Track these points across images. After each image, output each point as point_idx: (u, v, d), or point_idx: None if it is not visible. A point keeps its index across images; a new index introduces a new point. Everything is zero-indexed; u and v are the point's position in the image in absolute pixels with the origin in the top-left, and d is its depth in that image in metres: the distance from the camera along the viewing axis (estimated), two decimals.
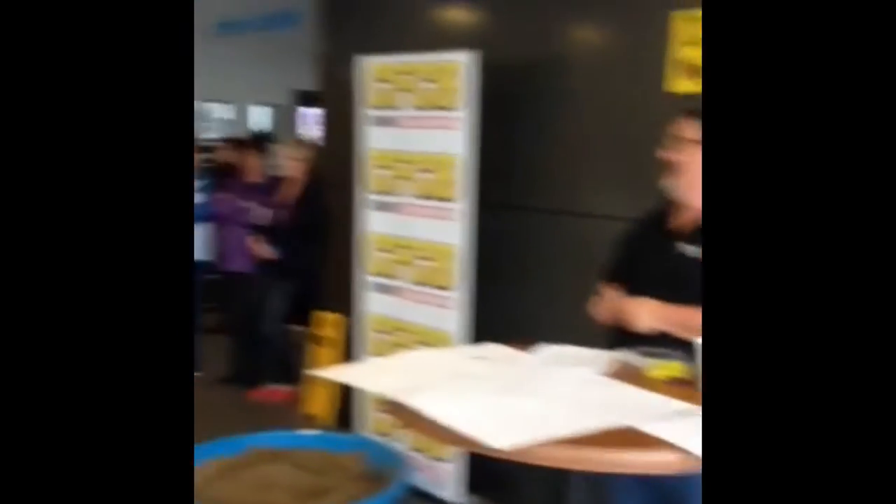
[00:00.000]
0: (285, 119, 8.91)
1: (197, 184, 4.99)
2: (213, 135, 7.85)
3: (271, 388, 4.74)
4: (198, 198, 4.96)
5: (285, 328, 4.72)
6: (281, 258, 4.52)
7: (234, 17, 8.04)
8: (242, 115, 8.65)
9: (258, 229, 4.58)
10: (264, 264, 4.59)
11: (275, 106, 8.90)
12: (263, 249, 4.53)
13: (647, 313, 2.00)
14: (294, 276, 4.55)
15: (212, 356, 5.37)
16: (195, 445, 3.22)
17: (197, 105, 8.39)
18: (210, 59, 8.13)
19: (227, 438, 3.40)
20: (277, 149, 5.53)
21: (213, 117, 8.60)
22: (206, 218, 5.01)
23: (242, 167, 4.99)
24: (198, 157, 5.13)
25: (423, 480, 3.39)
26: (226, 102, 8.59)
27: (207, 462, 3.25)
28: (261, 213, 4.60)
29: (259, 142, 5.25)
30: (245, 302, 4.83)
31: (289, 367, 4.70)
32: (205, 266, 5.16)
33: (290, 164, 4.63)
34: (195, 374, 5.17)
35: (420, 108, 3.34)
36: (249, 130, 8.30)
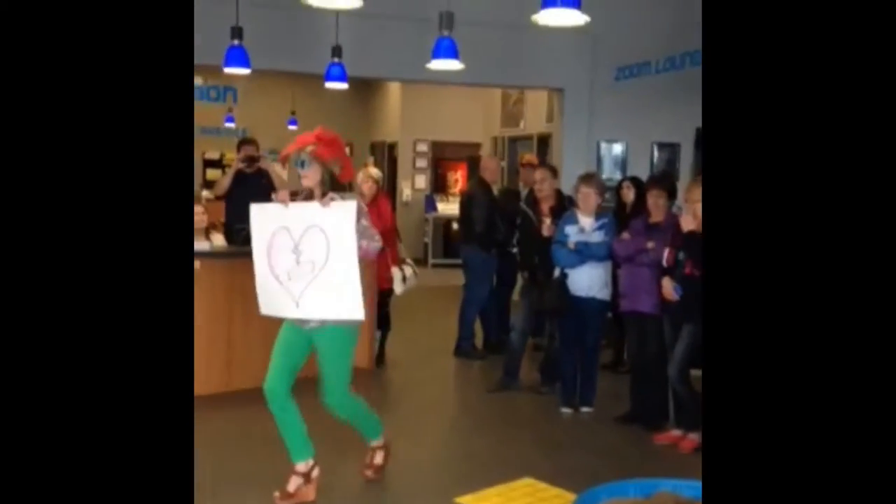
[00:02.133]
0: (688, 158, 8.75)
1: (597, 223, 5.10)
2: (615, 175, 8.04)
3: (675, 433, 4.62)
4: (599, 237, 5.06)
5: (688, 373, 4.57)
6: (685, 300, 4.40)
7: (634, 62, 8.18)
8: (645, 154, 8.67)
9: (663, 270, 4.53)
10: (669, 306, 4.51)
11: (676, 145, 8.79)
12: (669, 290, 4.47)
13: None
14: (698, 318, 4.40)
15: (606, 393, 5.42)
16: (606, 485, 3.20)
17: (594, 144, 8.65)
18: (610, 102, 8.38)
19: (640, 480, 3.35)
20: (680, 188, 5.44)
21: (613, 156, 8.77)
22: (609, 257, 5.08)
23: (645, 206, 4.98)
24: (601, 197, 5.25)
25: None
26: (624, 142, 8.71)
27: (614, 501, 3.23)
28: (665, 254, 4.53)
29: (662, 181, 5.20)
30: (649, 343, 4.79)
31: (693, 414, 4.53)
32: (606, 304, 5.24)
33: (690, 204, 4.52)
34: (587, 409, 5.26)
35: None
36: (653, 170, 8.31)
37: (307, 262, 3.49)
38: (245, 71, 5.39)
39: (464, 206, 6.94)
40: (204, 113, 12.57)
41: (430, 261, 13.22)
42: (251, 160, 6.31)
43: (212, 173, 14.65)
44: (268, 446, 4.40)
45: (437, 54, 5.26)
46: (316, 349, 3.67)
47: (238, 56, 5.22)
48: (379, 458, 3.98)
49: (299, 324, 3.63)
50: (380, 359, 6.38)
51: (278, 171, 6.66)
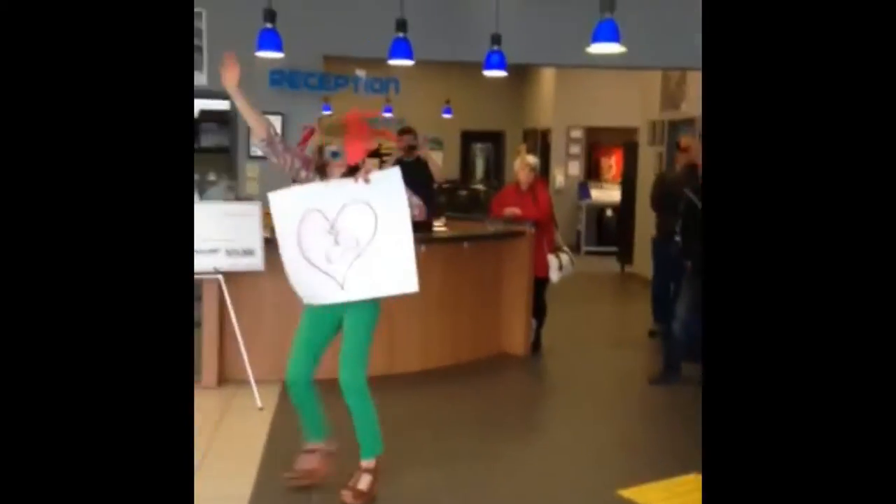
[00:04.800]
0: None
1: None
2: None
3: None
4: None
5: None
6: None
7: None
8: None
9: None
10: None
11: None
12: None
13: None
14: None
15: None
16: None
17: None
18: None
19: None
20: None
21: None
22: None
23: None
24: None
25: None
26: None
27: None
28: None
29: None
30: None
31: None
32: None
33: None
34: None
35: None
36: None
37: (349, 239, 3.30)
38: (408, 62, 5.51)
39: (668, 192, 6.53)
40: (364, 104, 13.01)
41: (583, 248, 13.05)
42: (410, 149, 6.48)
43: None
44: (437, 426, 4.52)
45: (597, 37, 5.14)
46: (344, 325, 3.46)
47: (402, 48, 5.34)
48: (364, 484, 3.43)
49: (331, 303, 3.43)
50: (535, 346, 6.37)
51: (435, 159, 6.80)
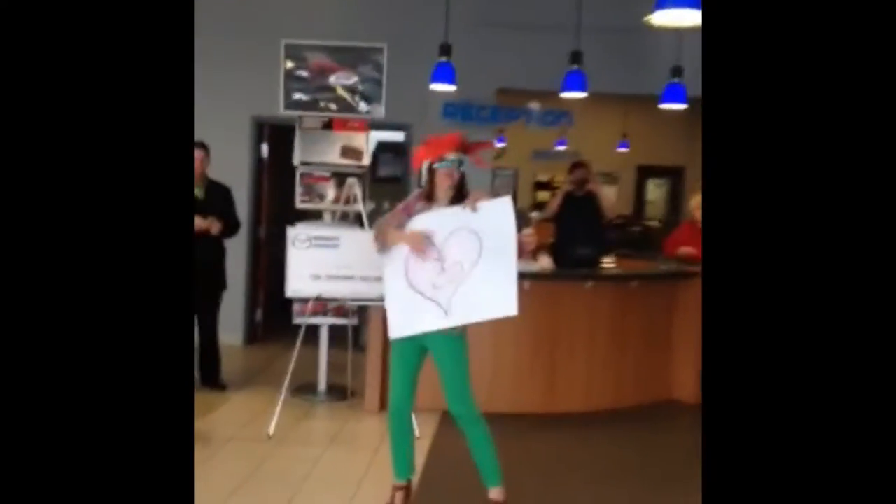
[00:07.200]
0: None
1: None
2: None
3: None
4: None
5: None
6: None
7: None
8: None
9: None
10: None
11: None
12: None
13: None
14: None
15: None
16: None
17: None
18: None
19: None
20: None
21: None
22: None
23: None
24: None
25: None
26: None
27: None
28: None
29: None
30: None
31: None
32: None
33: None
34: None
35: None
36: None
37: (454, 265, 3.30)
38: (581, 95, 5.41)
39: None
40: (537, 137, 13.01)
41: None
42: (582, 183, 6.33)
43: (542, 195, 15.09)
44: (598, 472, 4.33)
45: None
46: (432, 354, 3.44)
47: (575, 80, 5.26)
48: None
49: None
50: None
51: (607, 194, 6.61)
